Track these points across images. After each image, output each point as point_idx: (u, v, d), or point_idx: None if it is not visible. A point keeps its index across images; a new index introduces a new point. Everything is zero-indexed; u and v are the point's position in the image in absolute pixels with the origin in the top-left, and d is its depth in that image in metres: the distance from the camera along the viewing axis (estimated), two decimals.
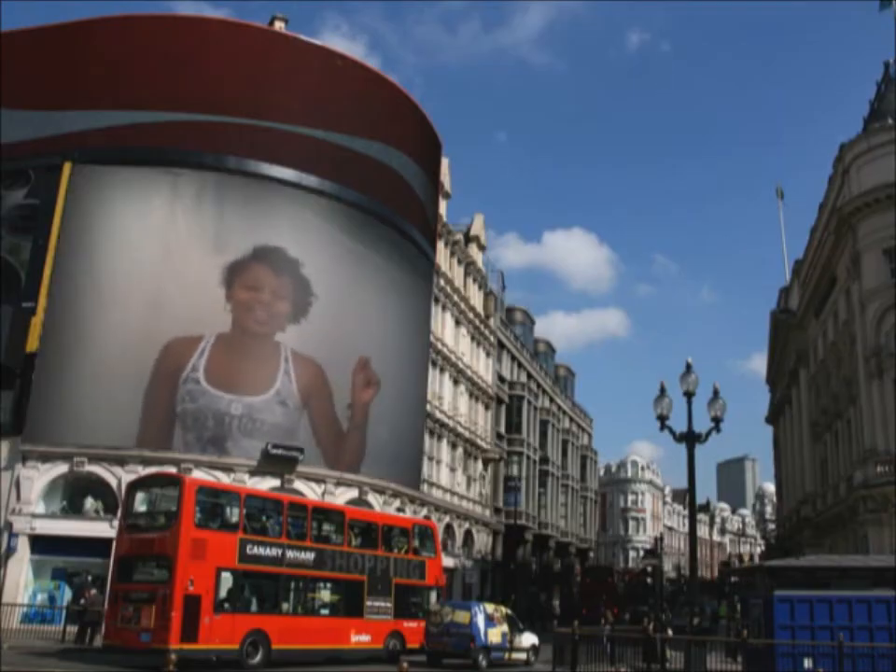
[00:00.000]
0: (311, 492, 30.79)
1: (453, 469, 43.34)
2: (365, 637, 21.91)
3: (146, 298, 29.64)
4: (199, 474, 27.46)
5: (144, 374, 28.66)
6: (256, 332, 31.02)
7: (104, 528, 26.54)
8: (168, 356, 29.16)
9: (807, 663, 17.30)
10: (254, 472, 29.55)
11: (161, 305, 29.59)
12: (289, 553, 20.26)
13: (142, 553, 18.97)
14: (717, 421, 18.46)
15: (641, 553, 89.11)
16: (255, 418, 29.82)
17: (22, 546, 27.27)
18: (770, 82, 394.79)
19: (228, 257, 30.77)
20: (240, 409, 29.66)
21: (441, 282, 42.22)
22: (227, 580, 18.77)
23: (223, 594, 18.59)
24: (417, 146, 38.00)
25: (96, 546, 26.04)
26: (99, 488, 28.47)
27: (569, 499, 64.11)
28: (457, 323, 45.23)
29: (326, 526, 22.29)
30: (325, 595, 21.67)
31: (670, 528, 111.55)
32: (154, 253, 30.21)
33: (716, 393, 18.71)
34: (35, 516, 27.75)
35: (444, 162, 43.13)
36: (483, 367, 49.14)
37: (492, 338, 51.05)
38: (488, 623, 22.14)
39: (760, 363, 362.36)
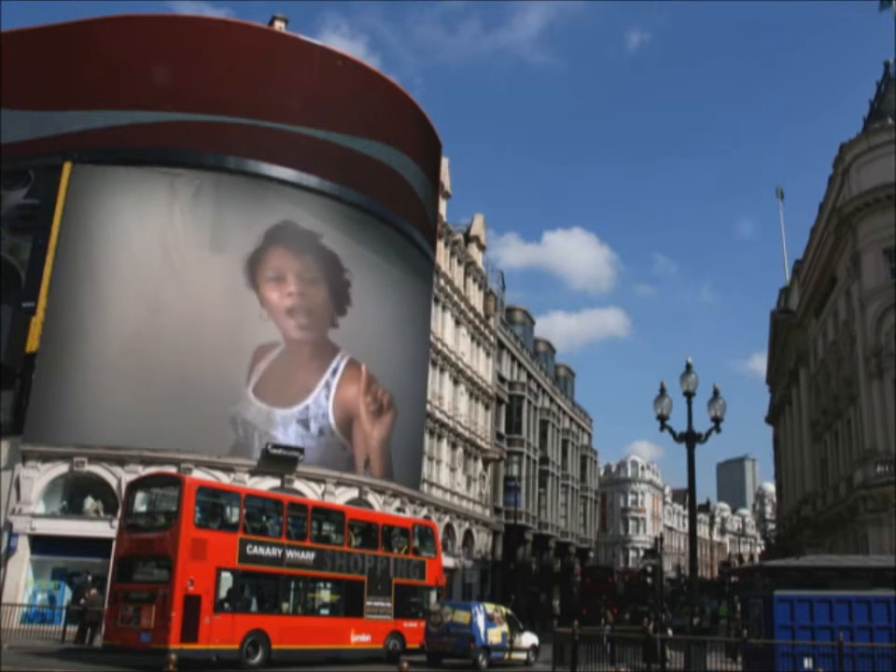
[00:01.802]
0: (311, 492, 30.79)
1: (453, 469, 43.34)
2: (365, 637, 21.91)
3: (146, 297, 29.63)
4: (199, 474, 27.48)
5: (147, 374, 28.66)
6: (299, 339, 31.31)
7: (104, 528, 26.57)
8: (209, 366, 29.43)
9: (807, 663, 17.31)
10: (254, 472, 29.56)
11: (161, 304, 29.58)
12: (289, 553, 20.25)
13: (142, 553, 18.95)
14: (717, 421, 18.44)
15: (641, 553, 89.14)
16: (266, 432, 29.98)
17: (22, 546, 27.26)
18: (770, 82, 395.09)
19: (238, 253, 30.83)
20: (261, 419, 29.75)
21: (441, 282, 42.22)
22: (227, 580, 18.76)
23: (223, 594, 18.57)
24: (417, 146, 38.00)
25: (96, 546, 26.06)
26: (99, 488, 28.47)
27: (569, 499, 64.11)
28: (457, 323, 45.22)
29: (326, 526, 22.28)
30: (325, 595, 21.65)
31: (670, 528, 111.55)
32: (154, 253, 30.20)
33: (716, 393, 18.70)
34: (34, 516, 27.75)
35: (444, 162, 43.13)
36: (483, 367, 49.14)
37: (492, 338, 51.04)
38: (488, 623, 22.13)
39: (760, 363, 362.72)
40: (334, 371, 31.76)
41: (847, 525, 33.72)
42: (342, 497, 31.69)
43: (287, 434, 30.39)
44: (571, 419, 72.16)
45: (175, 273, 30.11)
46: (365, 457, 32.87)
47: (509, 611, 24.09)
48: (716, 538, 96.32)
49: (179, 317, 29.59)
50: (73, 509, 28.73)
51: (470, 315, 47.17)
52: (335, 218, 33.24)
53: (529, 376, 59.55)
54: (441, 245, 42.26)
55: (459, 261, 46.05)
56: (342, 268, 32.96)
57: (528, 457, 54.01)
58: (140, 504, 20.27)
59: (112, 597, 19.08)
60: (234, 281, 30.60)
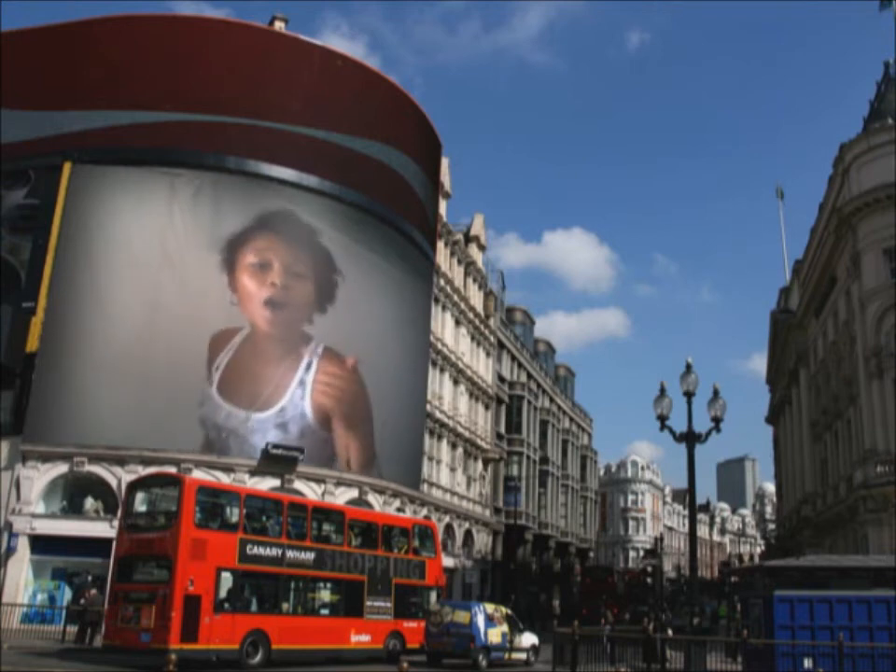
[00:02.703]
0: (311, 492, 30.79)
1: (453, 469, 43.33)
2: (365, 637, 21.90)
3: (146, 297, 29.63)
4: (199, 474, 27.47)
5: (147, 374, 28.65)
6: (273, 334, 30.95)
7: (104, 528, 26.57)
8: (191, 355, 29.14)
9: (807, 663, 17.31)
10: (254, 472, 29.55)
11: (161, 304, 29.58)
12: (289, 553, 20.25)
13: (142, 553, 18.95)
14: (717, 421, 18.44)
15: (641, 553, 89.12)
16: (248, 438, 29.71)
17: (22, 546, 27.26)
18: (770, 82, 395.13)
19: (224, 235, 30.58)
20: (235, 424, 29.42)
21: (441, 282, 42.21)
22: (227, 580, 18.76)
23: (223, 594, 18.57)
24: (417, 146, 38.00)
25: (96, 546, 26.05)
26: (99, 488, 28.46)
27: (569, 499, 64.10)
28: (457, 323, 45.21)
29: (326, 526, 22.28)
30: (325, 595, 21.65)
31: (670, 528, 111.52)
32: (153, 253, 30.17)
33: (716, 393, 18.69)
34: (34, 516, 27.74)
35: (444, 162, 43.12)
36: (483, 367, 49.13)
37: (492, 338, 51.03)
38: (488, 623, 22.12)
39: (760, 363, 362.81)
40: (308, 366, 31.30)
41: (847, 524, 33.72)
42: (342, 497, 31.68)
43: (267, 436, 29.98)
44: (571, 419, 72.15)
45: (174, 272, 30.09)
46: (346, 458, 32.70)
47: (509, 611, 24.08)
48: (716, 538, 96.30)
49: (179, 317, 29.55)
50: (73, 509, 28.72)
51: (470, 315, 47.16)
52: (335, 218, 33.18)
53: (529, 376, 59.54)
54: (441, 245, 42.26)
55: (459, 261, 46.05)
56: (334, 267, 32.73)
57: (528, 457, 54.00)
58: (140, 504, 20.26)
59: (112, 597, 19.08)
60: (216, 268, 30.37)
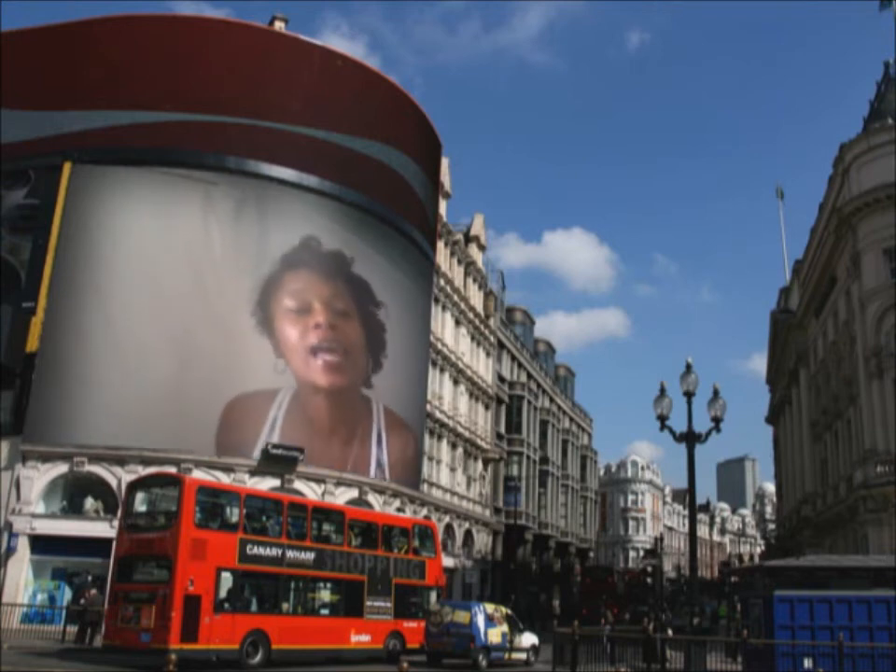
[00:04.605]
0: (311, 492, 30.79)
1: (453, 469, 43.32)
2: (365, 637, 21.90)
3: (146, 297, 29.59)
4: (199, 474, 27.46)
5: (148, 374, 28.62)
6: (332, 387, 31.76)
7: (104, 528, 26.57)
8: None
9: (807, 663, 17.30)
10: (254, 472, 29.55)
11: (162, 303, 29.56)
12: (289, 553, 20.25)
13: (142, 553, 18.95)
14: (717, 421, 18.43)
15: (641, 553, 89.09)
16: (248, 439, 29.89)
17: (22, 546, 27.26)
18: (770, 82, 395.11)
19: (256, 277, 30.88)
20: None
21: (441, 282, 42.20)
22: (227, 580, 18.75)
23: (223, 594, 18.57)
24: (417, 146, 37.99)
25: (96, 546, 26.06)
26: (99, 488, 28.46)
27: (569, 499, 64.09)
28: (457, 323, 45.21)
29: (326, 526, 22.28)
30: (325, 595, 21.65)
31: (670, 528, 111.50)
32: (154, 252, 30.14)
33: (716, 393, 18.69)
34: (34, 516, 27.74)
35: (444, 162, 43.11)
36: (482, 367, 49.12)
37: (492, 338, 51.02)
38: (488, 623, 22.12)
39: (760, 363, 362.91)
40: (379, 441, 32.90)
41: (847, 525, 33.71)
42: (342, 497, 31.68)
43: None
44: (571, 419, 72.14)
45: (176, 273, 30.07)
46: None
47: (509, 611, 24.07)
48: (716, 538, 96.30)
49: (181, 319, 29.52)
50: (73, 509, 28.71)
51: (470, 315, 47.16)
52: (342, 220, 33.23)
53: (529, 376, 59.53)
54: (441, 244, 42.25)
55: (459, 261, 46.04)
56: (375, 301, 33.38)
57: (528, 457, 53.99)
58: (140, 504, 20.26)
59: (112, 597, 19.07)
60: (242, 306, 30.48)
